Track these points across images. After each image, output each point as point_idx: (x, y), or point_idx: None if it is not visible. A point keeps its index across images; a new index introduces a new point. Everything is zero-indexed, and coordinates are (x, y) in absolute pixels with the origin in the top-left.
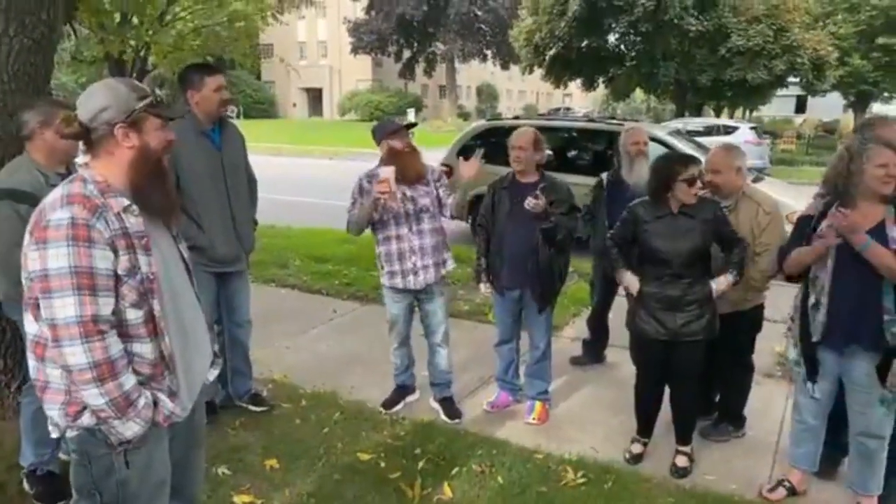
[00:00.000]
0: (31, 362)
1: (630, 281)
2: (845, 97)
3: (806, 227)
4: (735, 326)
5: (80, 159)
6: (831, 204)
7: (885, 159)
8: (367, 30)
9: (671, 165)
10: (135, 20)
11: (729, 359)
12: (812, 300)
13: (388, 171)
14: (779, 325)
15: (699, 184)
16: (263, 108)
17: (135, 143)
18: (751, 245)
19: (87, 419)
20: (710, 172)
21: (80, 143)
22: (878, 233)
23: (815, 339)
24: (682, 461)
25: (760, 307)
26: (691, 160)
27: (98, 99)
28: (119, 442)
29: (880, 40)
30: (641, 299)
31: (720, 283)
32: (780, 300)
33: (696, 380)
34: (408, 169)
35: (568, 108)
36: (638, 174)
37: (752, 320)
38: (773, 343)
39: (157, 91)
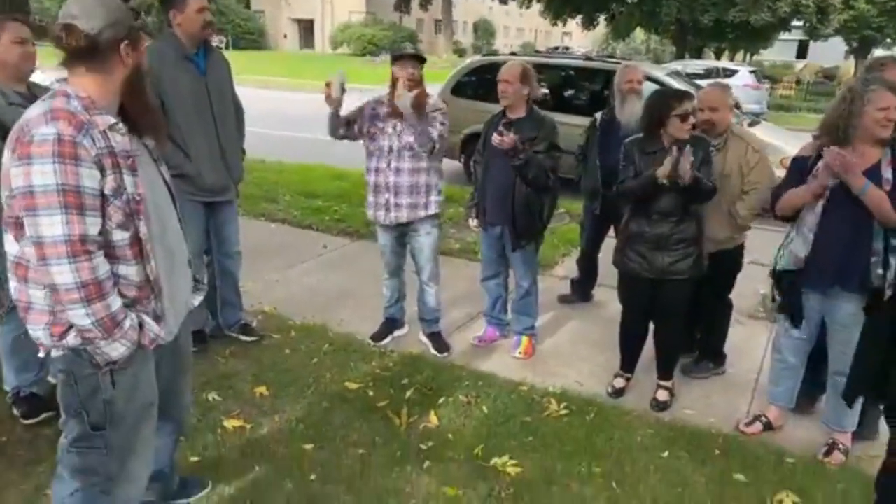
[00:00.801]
0: (13, 283)
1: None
2: (848, 43)
3: (801, 168)
4: (717, 266)
5: (57, 74)
6: (827, 145)
7: (887, 102)
8: None
9: (665, 100)
10: None
11: (710, 297)
12: (792, 234)
13: (337, 76)
14: (762, 268)
15: (692, 119)
16: (253, 38)
17: (133, 61)
18: (739, 183)
19: (72, 339)
20: (708, 110)
21: (67, 58)
22: (873, 173)
23: (779, 266)
24: (662, 395)
25: (741, 247)
26: (685, 95)
27: (101, 13)
28: (105, 362)
29: None
30: (629, 237)
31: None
32: (763, 242)
33: (681, 317)
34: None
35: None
36: (630, 112)
37: (733, 259)
38: (756, 284)
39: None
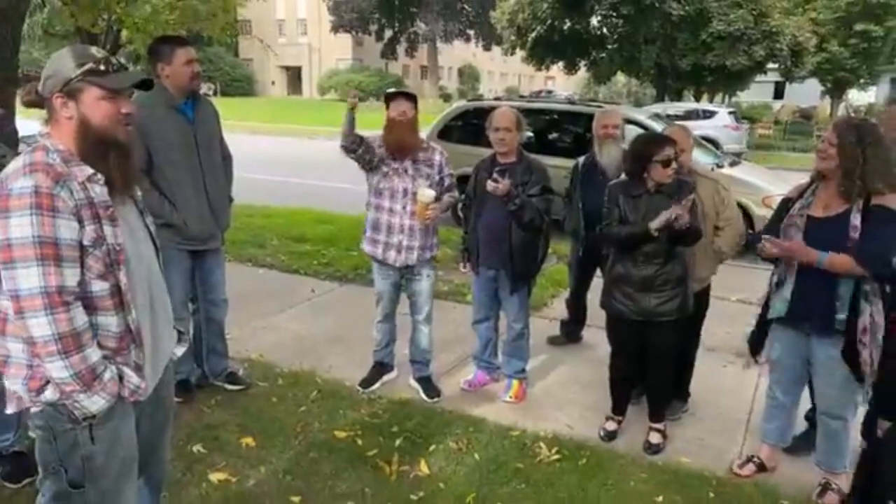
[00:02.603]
0: None
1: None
2: (823, 84)
3: (783, 210)
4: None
5: (41, 129)
6: (809, 186)
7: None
8: (347, 8)
9: (647, 146)
10: None
11: (685, 337)
12: (775, 278)
13: (424, 195)
14: (750, 306)
15: (674, 165)
16: (241, 85)
17: (72, 114)
18: (713, 221)
19: (50, 393)
20: (679, 152)
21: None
22: (843, 220)
23: (771, 315)
24: (655, 438)
25: (709, 286)
26: (666, 141)
27: (48, 67)
28: (84, 417)
29: (858, 27)
30: (615, 279)
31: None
32: (749, 280)
33: (670, 359)
34: (397, 139)
35: (549, 91)
36: (608, 157)
37: (705, 298)
38: (745, 323)
39: (118, 60)
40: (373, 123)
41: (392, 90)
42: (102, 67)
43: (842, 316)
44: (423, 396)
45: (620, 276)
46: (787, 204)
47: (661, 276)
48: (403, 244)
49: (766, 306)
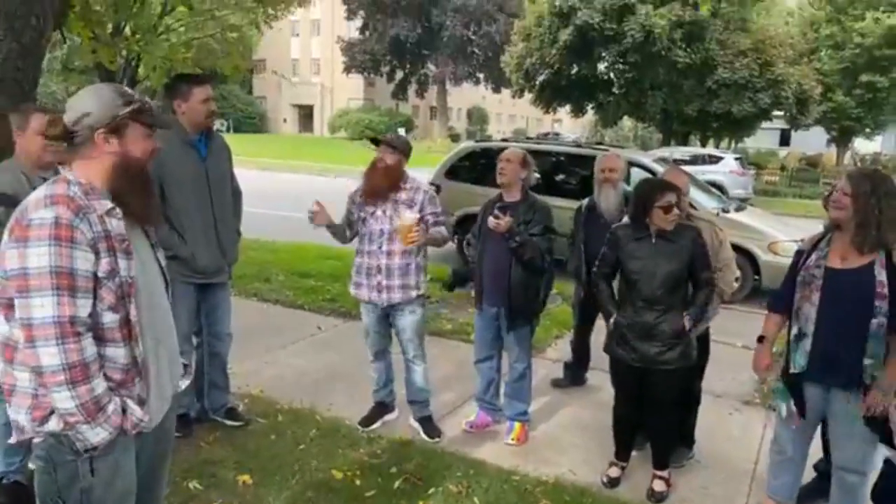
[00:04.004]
0: (0, 365)
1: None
2: (828, 132)
3: (795, 263)
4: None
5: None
6: (823, 237)
7: None
8: (360, 49)
9: (650, 191)
10: (127, 30)
11: (688, 382)
12: (795, 331)
13: (407, 218)
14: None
15: (675, 210)
16: (254, 122)
17: (115, 149)
18: (713, 261)
19: (53, 424)
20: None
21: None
22: (866, 273)
23: (794, 370)
24: (659, 486)
25: (708, 329)
26: (668, 187)
27: (83, 103)
28: (85, 449)
29: (863, 77)
30: (617, 325)
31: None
32: (752, 326)
33: (672, 406)
34: (370, 183)
35: (557, 134)
36: (606, 201)
37: (706, 343)
38: (749, 370)
39: (148, 99)
40: None
41: (377, 137)
42: (147, 107)
43: (877, 373)
44: (424, 437)
45: (619, 321)
46: (800, 256)
47: (662, 325)
48: (383, 284)
49: (787, 360)
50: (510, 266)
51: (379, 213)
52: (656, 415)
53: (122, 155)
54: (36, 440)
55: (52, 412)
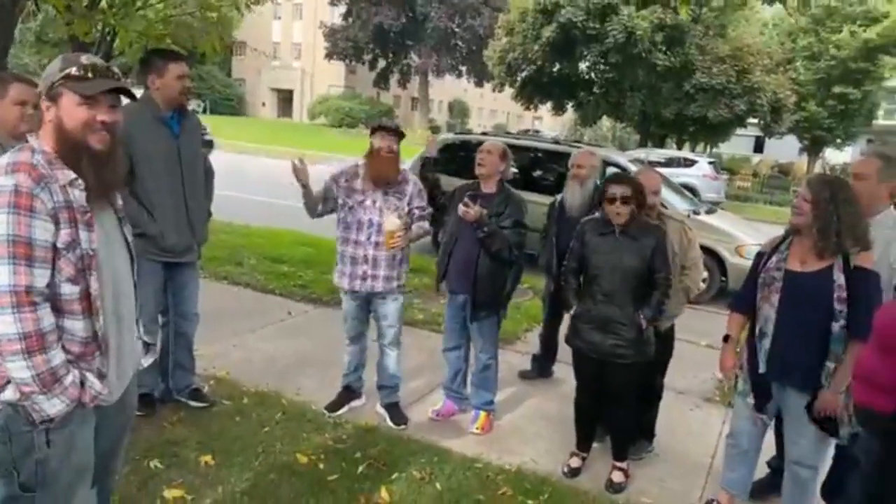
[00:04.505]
0: None
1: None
2: (801, 141)
3: (758, 264)
4: (658, 346)
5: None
6: (783, 240)
7: None
8: (343, 36)
9: (605, 184)
10: (104, 3)
11: (650, 377)
12: (757, 330)
13: (392, 223)
14: (716, 351)
15: (620, 204)
16: (232, 105)
17: (52, 117)
18: (682, 260)
19: (9, 393)
20: (652, 194)
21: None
22: (825, 277)
23: (761, 370)
24: (617, 476)
25: (673, 326)
26: (615, 180)
27: (45, 70)
28: (41, 420)
29: (836, 89)
30: (575, 316)
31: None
32: (716, 326)
33: (628, 399)
34: (378, 170)
35: (537, 131)
36: (571, 196)
37: (671, 339)
38: (711, 368)
39: (104, 67)
40: (361, 149)
41: (381, 123)
42: (84, 73)
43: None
44: (390, 423)
45: (579, 313)
46: (761, 258)
47: (620, 319)
48: (368, 273)
49: (752, 358)
50: (478, 255)
51: (368, 202)
52: (614, 407)
53: (56, 123)
54: None
55: (8, 381)
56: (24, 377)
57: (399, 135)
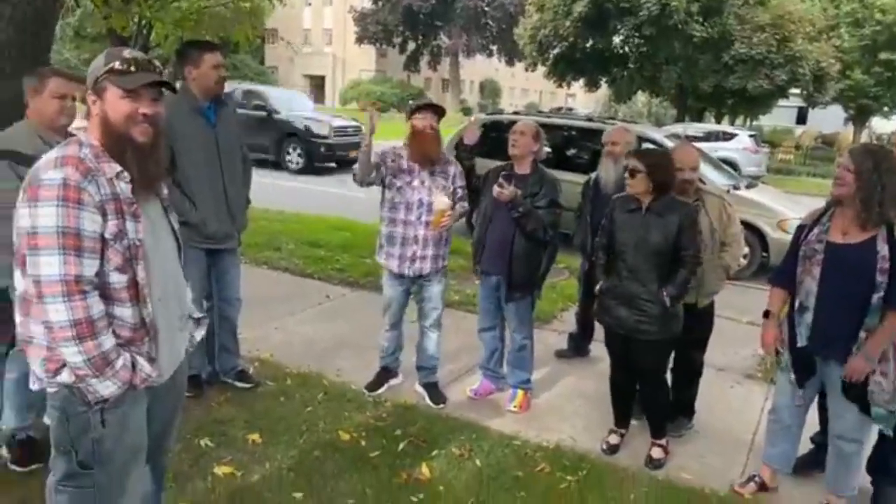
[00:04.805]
0: (19, 318)
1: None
2: (846, 110)
3: (797, 238)
4: (696, 323)
5: (81, 123)
6: (825, 212)
7: None
8: (372, 20)
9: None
10: None
11: (689, 353)
12: (797, 303)
13: (442, 202)
14: (758, 328)
15: (633, 175)
16: None
17: (98, 111)
18: (721, 236)
19: (65, 376)
20: (690, 170)
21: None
22: (868, 248)
23: (800, 343)
24: (657, 453)
25: (713, 304)
26: (634, 154)
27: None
28: (96, 400)
29: (883, 55)
30: (603, 291)
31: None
32: (758, 302)
33: (658, 376)
34: (422, 150)
35: (570, 108)
36: (605, 173)
37: (710, 316)
38: (753, 344)
39: (146, 61)
40: (395, 133)
41: (420, 102)
42: (126, 67)
43: None
44: (429, 402)
45: (606, 288)
46: (802, 231)
47: (642, 295)
48: (418, 254)
49: (791, 331)
50: (513, 236)
51: (416, 182)
52: (643, 384)
53: (102, 117)
54: (50, 390)
55: (63, 365)
56: (76, 361)
57: (439, 112)
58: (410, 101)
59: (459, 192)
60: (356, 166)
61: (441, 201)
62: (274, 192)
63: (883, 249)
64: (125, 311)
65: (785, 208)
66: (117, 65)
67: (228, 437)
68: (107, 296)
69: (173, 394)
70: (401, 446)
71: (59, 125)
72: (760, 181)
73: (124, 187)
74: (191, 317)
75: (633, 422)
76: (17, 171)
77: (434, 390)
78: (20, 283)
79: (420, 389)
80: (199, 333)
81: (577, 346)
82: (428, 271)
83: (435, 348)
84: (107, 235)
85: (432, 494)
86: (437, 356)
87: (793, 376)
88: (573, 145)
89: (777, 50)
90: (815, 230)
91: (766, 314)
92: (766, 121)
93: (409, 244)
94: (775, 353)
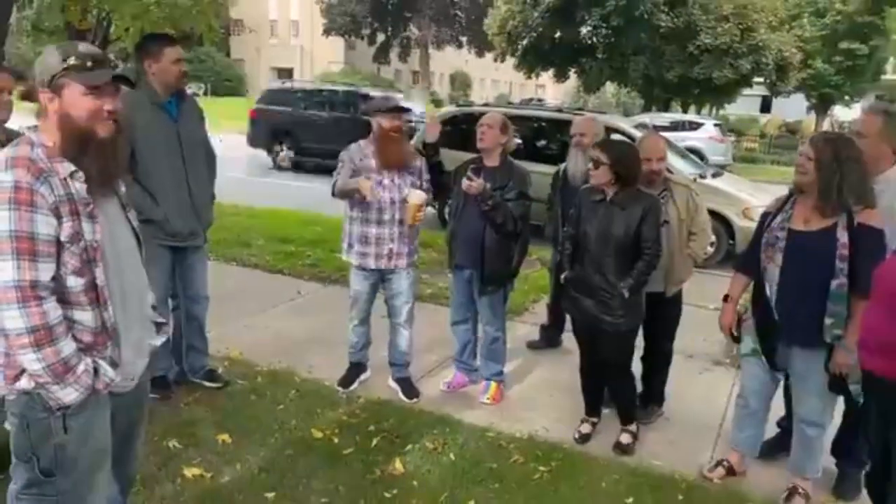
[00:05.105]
0: None
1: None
2: (808, 99)
3: (763, 224)
4: (664, 311)
5: (30, 123)
6: (787, 200)
7: None
8: (340, 11)
9: None
10: None
11: (658, 342)
12: (768, 290)
13: (418, 197)
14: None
15: (596, 168)
16: (232, 85)
17: (56, 109)
18: (689, 225)
19: (24, 383)
20: (657, 160)
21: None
22: (828, 235)
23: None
24: (625, 438)
25: (681, 292)
26: (597, 145)
27: (38, 62)
28: (58, 407)
29: (843, 45)
30: (567, 281)
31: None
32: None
33: (622, 365)
34: (392, 153)
35: (540, 99)
36: (572, 165)
37: (678, 305)
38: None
39: (102, 55)
40: None
41: (386, 105)
42: (84, 63)
43: (838, 331)
44: (403, 397)
45: (571, 278)
46: (766, 218)
47: (604, 286)
48: (394, 251)
49: (762, 317)
50: (484, 229)
51: (387, 181)
52: (608, 373)
53: (62, 115)
54: (10, 398)
55: (22, 371)
56: (35, 369)
57: (402, 111)
58: (386, 99)
59: (426, 185)
60: (339, 185)
61: (417, 195)
62: (241, 187)
63: (843, 237)
64: (85, 315)
65: (750, 196)
66: (74, 60)
67: (198, 437)
68: (65, 300)
69: (136, 396)
70: (374, 442)
71: None
72: (726, 170)
73: (79, 187)
74: (153, 321)
75: (605, 410)
76: None
77: (407, 385)
78: None
79: (393, 385)
80: (159, 340)
81: (549, 337)
82: (404, 265)
83: (406, 345)
84: (62, 238)
85: (406, 489)
86: (409, 352)
87: (765, 361)
88: (543, 136)
89: (741, 39)
90: (778, 218)
91: (726, 298)
92: (731, 110)
93: (384, 243)
94: (732, 338)
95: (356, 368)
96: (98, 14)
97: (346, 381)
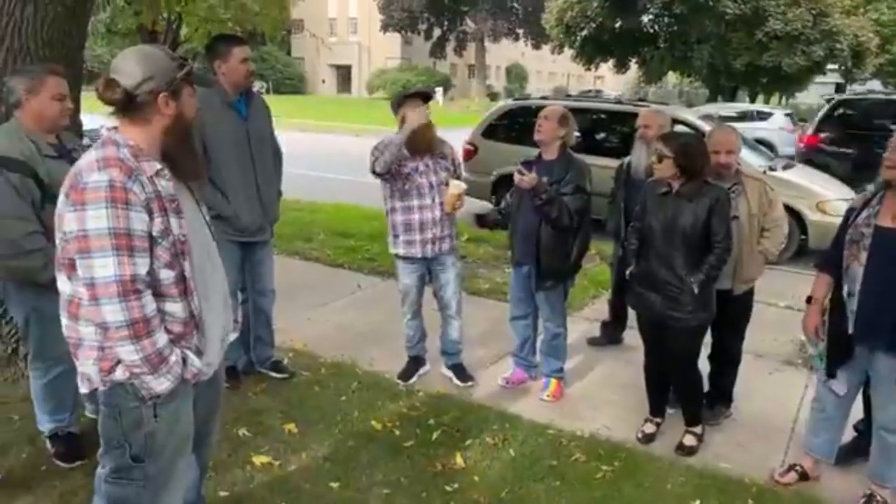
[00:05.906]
0: (65, 321)
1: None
2: (885, 86)
3: (847, 220)
4: (733, 310)
5: (107, 123)
6: (875, 195)
7: None
8: (397, 7)
9: None
10: None
11: (726, 341)
12: (846, 290)
13: (457, 187)
14: (798, 313)
15: (660, 162)
16: (293, 83)
17: (173, 111)
18: (761, 221)
19: (119, 374)
20: (726, 153)
21: (115, 109)
22: None
23: (850, 330)
24: (689, 440)
25: (752, 290)
26: (661, 139)
27: (140, 67)
28: (150, 396)
29: None
30: (633, 276)
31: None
32: (798, 285)
33: (688, 362)
34: (419, 140)
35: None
36: (636, 157)
37: (747, 303)
38: (793, 331)
39: (188, 60)
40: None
41: (410, 91)
42: (190, 68)
43: None
44: (457, 382)
45: (636, 274)
46: (850, 213)
47: (671, 281)
48: (437, 235)
49: (831, 320)
50: (540, 225)
51: (422, 166)
52: (674, 370)
53: (177, 116)
54: (101, 388)
55: (118, 363)
56: (133, 360)
57: (428, 98)
58: (410, 88)
59: (458, 171)
60: (386, 155)
61: (456, 184)
62: (303, 182)
63: None
64: (175, 307)
65: (824, 189)
66: (187, 67)
67: (265, 426)
68: (158, 292)
69: (214, 384)
70: (434, 436)
71: (58, 127)
72: (797, 161)
73: (165, 184)
74: (231, 311)
75: (670, 411)
76: (7, 177)
77: (460, 370)
78: (65, 286)
79: (447, 372)
80: (233, 335)
81: (610, 333)
82: (447, 250)
83: (458, 335)
84: (154, 233)
85: (468, 484)
86: (461, 342)
87: (823, 365)
88: (603, 129)
89: (813, 25)
90: (864, 213)
91: (809, 300)
92: (803, 98)
93: (427, 227)
94: (817, 342)
95: (415, 362)
96: (169, 16)
97: (406, 374)
